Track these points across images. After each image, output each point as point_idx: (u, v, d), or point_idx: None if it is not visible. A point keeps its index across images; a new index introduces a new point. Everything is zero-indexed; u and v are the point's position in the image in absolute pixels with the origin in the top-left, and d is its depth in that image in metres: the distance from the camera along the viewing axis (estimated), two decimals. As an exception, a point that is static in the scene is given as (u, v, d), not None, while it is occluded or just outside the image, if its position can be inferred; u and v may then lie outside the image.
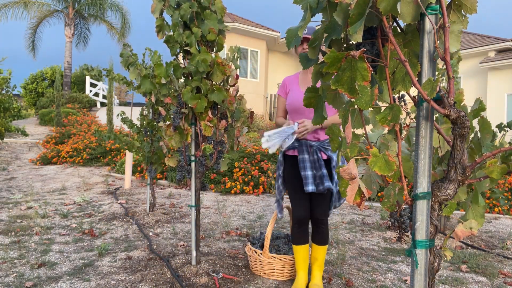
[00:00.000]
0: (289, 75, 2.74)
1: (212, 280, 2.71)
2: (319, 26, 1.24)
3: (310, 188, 2.42)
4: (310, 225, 2.66)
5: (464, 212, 1.37)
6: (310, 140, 2.53)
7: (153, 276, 2.78)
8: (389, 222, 1.21)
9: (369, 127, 1.32)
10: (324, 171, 2.44)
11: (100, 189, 6.73)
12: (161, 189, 6.98)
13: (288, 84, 2.69)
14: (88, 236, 3.89)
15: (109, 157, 9.56)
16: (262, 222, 4.71)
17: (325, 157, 2.52)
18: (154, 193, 5.00)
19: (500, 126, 3.33)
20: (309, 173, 2.46)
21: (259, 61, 17.23)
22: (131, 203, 5.60)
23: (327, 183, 2.40)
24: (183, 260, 3.13)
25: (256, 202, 6.00)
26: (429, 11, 1.05)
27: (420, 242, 1.11)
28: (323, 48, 2.00)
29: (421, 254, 1.11)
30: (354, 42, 1.15)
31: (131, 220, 4.53)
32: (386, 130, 1.29)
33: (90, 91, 19.81)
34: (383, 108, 1.12)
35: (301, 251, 2.62)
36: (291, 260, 2.78)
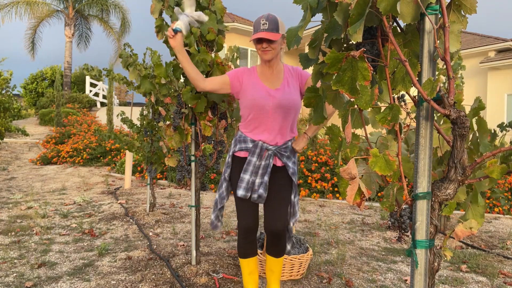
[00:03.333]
0: (246, 66, 2.33)
1: (212, 280, 2.71)
2: (319, 27, 1.24)
3: (240, 192, 2.18)
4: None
5: (464, 212, 1.37)
6: (267, 143, 2.24)
7: (153, 276, 2.78)
8: (389, 222, 1.21)
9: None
10: (266, 179, 2.19)
11: (100, 189, 6.73)
12: (161, 189, 6.98)
13: (246, 75, 2.28)
14: (88, 236, 3.89)
15: (109, 157, 9.56)
16: (261, 222, 4.71)
17: (279, 163, 2.26)
18: (154, 193, 5.00)
19: (501, 126, 3.33)
20: (246, 177, 2.19)
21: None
22: (131, 203, 5.60)
23: (260, 191, 2.16)
24: (183, 260, 3.13)
25: (256, 202, 6.00)
26: (429, 11, 1.05)
27: (420, 242, 1.11)
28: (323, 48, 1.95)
29: (421, 254, 1.12)
30: (354, 42, 1.15)
31: (131, 220, 4.53)
32: (384, 131, 1.29)
33: (90, 91, 19.82)
34: (383, 108, 1.12)
35: (250, 265, 2.35)
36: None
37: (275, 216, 2.24)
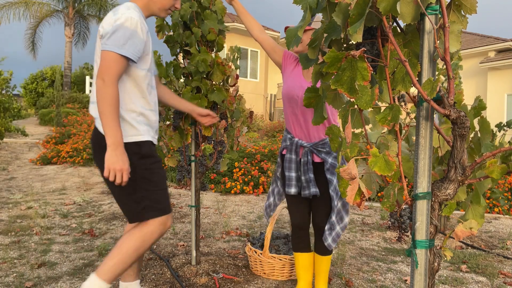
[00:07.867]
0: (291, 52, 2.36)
1: (212, 280, 2.71)
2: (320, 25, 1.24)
3: (292, 190, 2.27)
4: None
5: (464, 212, 1.37)
6: (302, 140, 2.29)
7: (153, 276, 2.78)
8: (389, 222, 1.21)
9: (367, 127, 1.31)
10: (311, 175, 2.22)
11: (100, 189, 6.73)
12: (161, 189, 6.97)
13: (290, 61, 2.32)
14: (88, 236, 3.89)
15: (109, 157, 9.55)
16: (262, 222, 4.71)
17: (318, 159, 2.28)
18: (154, 193, 4.99)
19: (499, 126, 3.33)
20: (292, 174, 2.27)
21: (259, 61, 17.24)
22: (131, 203, 5.60)
23: (314, 189, 2.20)
24: (183, 260, 3.12)
25: (256, 202, 6.00)
26: (429, 11, 1.05)
27: (420, 242, 1.11)
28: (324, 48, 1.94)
29: (421, 254, 1.11)
30: (354, 42, 1.16)
31: (131, 220, 4.53)
32: (385, 130, 1.29)
33: (90, 91, 19.80)
34: (383, 108, 1.12)
35: (301, 259, 2.44)
36: (291, 260, 2.78)
37: (317, 213, 2.33)
